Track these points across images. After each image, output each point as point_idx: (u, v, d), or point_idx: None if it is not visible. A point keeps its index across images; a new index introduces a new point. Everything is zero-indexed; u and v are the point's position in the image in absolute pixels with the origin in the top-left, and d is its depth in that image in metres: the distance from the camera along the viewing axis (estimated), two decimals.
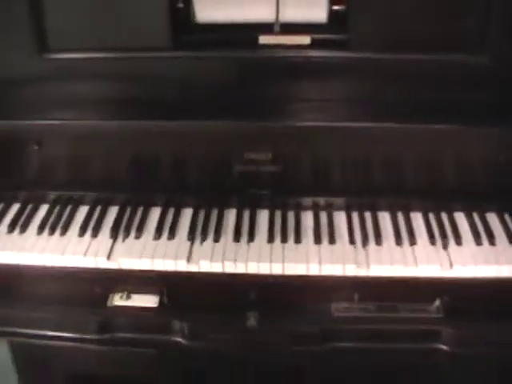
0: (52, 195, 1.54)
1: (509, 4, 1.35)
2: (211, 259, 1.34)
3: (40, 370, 1.87)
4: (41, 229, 1.45)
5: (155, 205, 1.51)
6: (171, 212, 1.48)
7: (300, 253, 1.34)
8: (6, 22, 1.44)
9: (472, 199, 1.43)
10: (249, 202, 1.48)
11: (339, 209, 1.46)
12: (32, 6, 1.43)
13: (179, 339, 1.32)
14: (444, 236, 1.36)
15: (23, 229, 1.46)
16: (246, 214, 1.46)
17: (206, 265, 1.33)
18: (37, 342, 1.42)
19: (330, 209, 1.45)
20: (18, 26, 1.44)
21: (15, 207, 1.54)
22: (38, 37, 1.46)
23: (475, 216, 1.42)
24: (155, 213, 1.49)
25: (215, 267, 1.33)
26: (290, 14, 1.45)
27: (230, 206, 1.48)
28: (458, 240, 1.36)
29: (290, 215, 1.45)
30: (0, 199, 1.55)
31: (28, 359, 1.85)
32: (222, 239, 1.39)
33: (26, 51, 1.46)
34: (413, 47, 1.37)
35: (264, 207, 1.47)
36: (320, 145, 1.40)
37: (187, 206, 1.50)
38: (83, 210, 1.51)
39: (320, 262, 1.31)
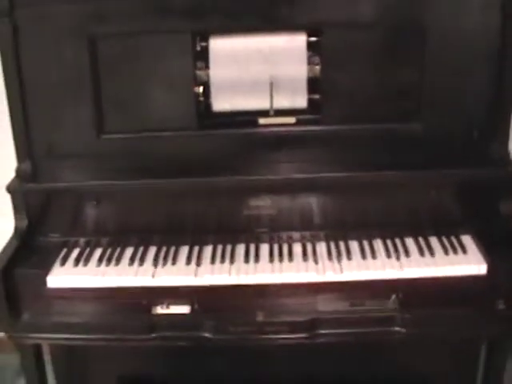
0: (104, 240, 2.00)
1: (433, 90, 1.88)
2: (229, 274, 1.82)
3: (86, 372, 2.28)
4: (99, 261, 1.91)
5: (184, 244, 1.96)
6: (196, 248, 1.94)
7: (292, 266, 1.83)
8: (76, 114, 1.93)
9: (417, 227, 1.93)
10: (254, 238, 1.95)
11: (320, 240, 1.94)
12: (94, 104, 1.92)
13: (208, 334, 1.76)
14: (396, 251, 1.86)
15: (86, 263, 1.91)
16: (252, 246, 1.93)
17: (225, 278, 1.81)
18: (95, 343, 1.87)
19: (313, 240, 1.94)
20: (84, 117, 1.92)
21: (76, 250, 1.98)
22: (97, 123, 1.93)
23: (420, 239, 1.91)
24: (184, 249, 1.94)
25: (232, 279, 1.81)
26: (281, 103, 1.91)
27: (239, 242, 1.95)
28: (407, 254, 1.85)
29: (285, 246, 1.93)
30: (64, 244, 1.99)
31: (68, 363, 2.26)
32: (236, 262, 1.87)
33: (89, 133, 1.93)
34: (367, 121, 1.89)
35: (264, 241, 1.95)
36: (304, 192, 1.91)
37: (208, 243, 1.95)
38: (130, 249, 1.96)
39: (307, 271, 1.81)
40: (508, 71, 1.86)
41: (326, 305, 1.76)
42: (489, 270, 1.80)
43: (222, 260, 1.88)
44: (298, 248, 1.92)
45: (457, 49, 1.86)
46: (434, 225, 1.95)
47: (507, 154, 1.94)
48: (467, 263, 1.82)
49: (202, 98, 1.94)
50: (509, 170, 1.92)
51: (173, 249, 1.96)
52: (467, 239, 1.93)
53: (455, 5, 1.82)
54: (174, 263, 1.90)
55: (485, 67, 1.87)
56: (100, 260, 1.93)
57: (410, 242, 1.92)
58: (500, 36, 1.83)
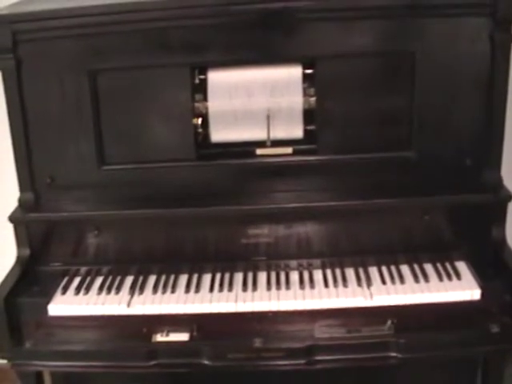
0: (105, 268, 2.03)
1: (425, 118, 1.92)
2: (227, 301, 1.85)
3: None
4: (100, 290, 1.95)
5: (183, 272, 1.99)
6: (195, 277, 1.98)
7: (289, 294, 1.87)
8: (77, 146, 1.97)
9: (412, 254, 1.97)
10: (252, 266, 1.99)
11: (317, 267, 1.98)
12: (95, 136, 1.97)
13: (206, 361, 1.79)
14: (392, 278, 1.90)
15: (86, 291, 1.95)
16: (250, 274, 1.97)
17: (224, 306, 1.85)
18: (96, 371, 1.90)
19: (310, 267, 1.97)
20: (85, 148, 1.97)
21: (77, 279, 2.01)
22: (98, 154, 1.97)
23: (415, 265, 1.95)
24: (183, 278, 1.98)
25: (230, 307, 1.84)
26: (277, 134, 1.95)
27: (238, 270, 1.99)
28: (402, 280, 1.89)
29: (282, 274, 1.96)
30: (66, 273, 2.03)
31: None
32: (234, 290, 1.90)
33: (91, 165, 1.98)
34: (360, 150, 1.94)
35: (262, 269, 1.98)
36: (301, 220, 1.95)
37: (207, 272, 1.99)
38: (130, 278, 2.00)
39: (304, 298, 1.84)
40: (498, 97, 1.91)
41: (322, 331, 1.79)
42: (482, 295, 1.84)
43: (221, 288, 1.92)
44: (295, 276, 1.96)
45: (448, 77, 1.90)
46: (428, 251, 1.98)
47: (499, 179, 1.98)
48: (461, 289, 1.86)
49: (200, 130, 1.98)
50: (501, 196, 1.96)
51: (172, 277, 1.99)
52: (461, 265, 1.96)
53: (445, 33, 1.87)
54: (173, 291, 1.93)
55: (475, 94, 1.91)
56: (101, 288, 1.96)
57: (404, 268, 1.95)
58: (489, 63, 1.88)
